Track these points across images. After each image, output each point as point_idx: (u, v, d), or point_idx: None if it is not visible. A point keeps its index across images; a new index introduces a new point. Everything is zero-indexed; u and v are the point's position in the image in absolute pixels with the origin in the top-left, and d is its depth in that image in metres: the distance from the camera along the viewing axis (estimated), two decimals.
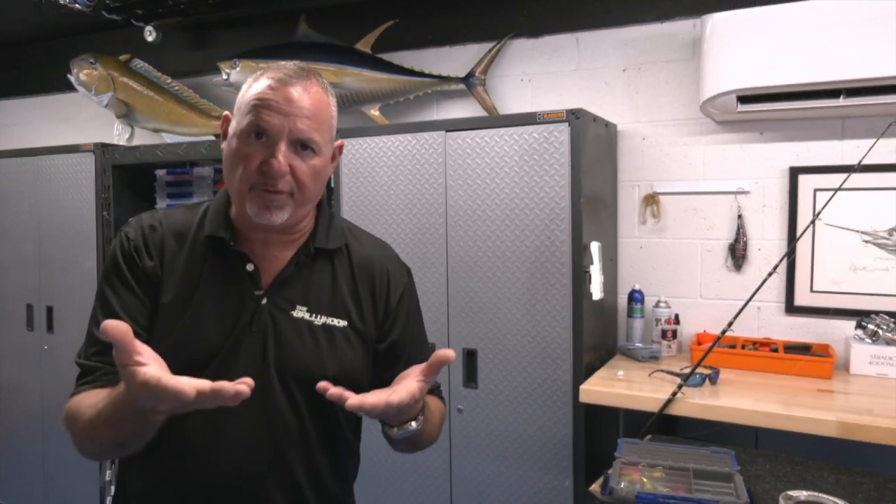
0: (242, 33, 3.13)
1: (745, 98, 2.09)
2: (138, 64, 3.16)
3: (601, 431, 2.16)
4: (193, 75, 3.31)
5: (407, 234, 2.33)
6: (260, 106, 1.00)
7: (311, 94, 1.03)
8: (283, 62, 1.06)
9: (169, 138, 3.20)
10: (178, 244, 1.10)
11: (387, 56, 2.77)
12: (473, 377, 2.23)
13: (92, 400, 0.97)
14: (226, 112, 1.10)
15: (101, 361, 1.02)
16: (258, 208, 1.02)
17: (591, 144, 2.19)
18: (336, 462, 1.15)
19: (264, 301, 1.07)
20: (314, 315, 1.10)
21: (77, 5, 2.70)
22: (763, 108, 2.10)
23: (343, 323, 1.11)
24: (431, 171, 2.28)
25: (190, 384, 0.79)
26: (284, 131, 1.00)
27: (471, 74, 2.66)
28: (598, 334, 2.29)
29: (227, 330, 1.05)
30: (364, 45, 2.72)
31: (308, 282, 1.11)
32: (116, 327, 0.79)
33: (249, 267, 1.08)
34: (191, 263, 1.08)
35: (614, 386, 2.02)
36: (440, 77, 2.70)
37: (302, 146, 1.02)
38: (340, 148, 1.13)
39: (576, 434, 2.08)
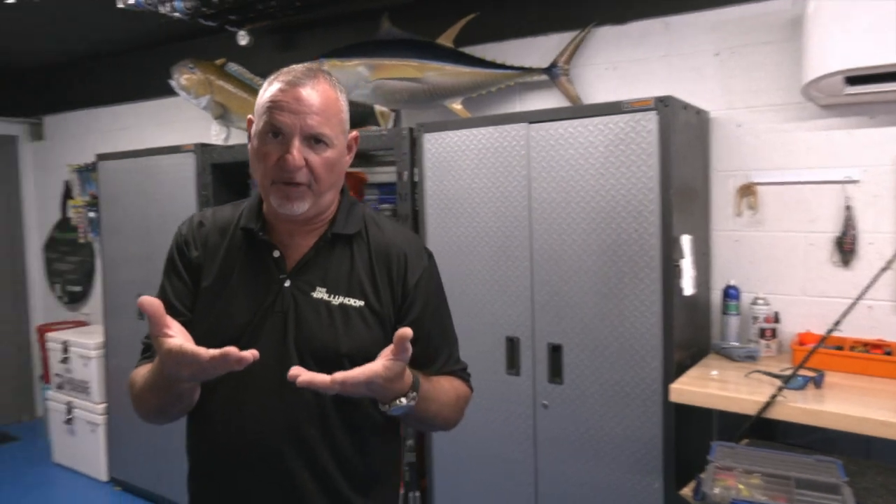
0: (327, 33, 3.20)
1: (854, 79, 1.94)
2: (233, 67, 3.31)
3: (692, 433, 2.08)
4: None
5: (490, 227, 2.32)
6: (273, 107, 1.09)
7: (318, 91, 1.11)
8: (294, 66, 1.15)
9: None
10: (220, 237, 1.22)
11: (468, 49, 2.76)
12: (558, 372, 2.20)
13: (143, 371, 1.15)
14: (249, 115, 1.18)
15: None
16: (281, 200, 1.11)
17: (682, 133, 2.10)
18: (359, 438, 1.18)
19: (287, 284, 1.16)
20: (332, 296, 1.17)
21: (176, 13, 2.85)
22: (874, 90, 1.93)
23: (360, 303, 1.17)
24: (514, 164, 2.26)
25: (204, 350, 0.92)
26: (297, 129, 1.09)
27: (554, 65, 2.61)
28: (690, 331, 2.20)
29: (253, 310, 1.16)
30: (445, 40, 2.72)
31: (327, 265, 1.19)
32: (151, 304, 0.94)
33: (276, 254, 1.18)
34: (228, 253, 1.21)
35: (707, 386, 1.93)
36: (522, 69, 2.67)
37: (314, 140, 1.10)
38: (356, 139, 1.21)
39: (665, 435, 2.01)
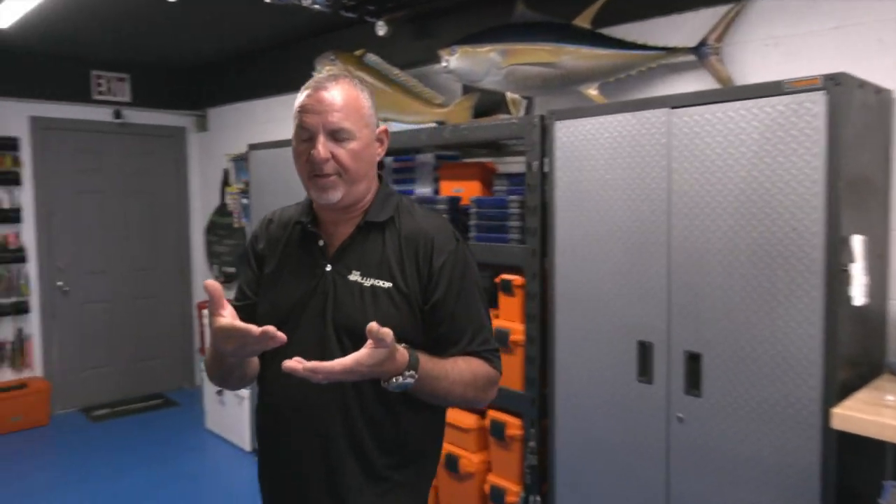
0: (462, 20, 3.14)
1: None
2: (371, 58, 3.36)
3: (859, 467, 1.79)
4: (419, 65, 3.43)
5: (624, 221, 2.15)
6: (301, 112, 1.28)
7: (338, 91, 1.27)
8: (321, 75, 1.33)
9: (397, 127, 3.36)
10: (282, 231, 1.42)
11: (608, 31, 2.57)
12: (696, 384, 1.99)
13: None
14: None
15: None
16: (317, 192, 1.29)
17: (856, 116, 1.80)
18: (391, 410, 1.30)
19: (328, 269, 1.32)
20: (364, 278, 1.30)
21: (317, 6, 2.93)
22: None
23: (388, 284, 1.29)
24: (653, 153, 2.06)
25: (247, 327, 1.10)
26: (320, 126, 1.25)
27: (703, 43, 2.36)
28: (860, 348, 1.89)
29: (300, 293, 1.33)
30: (583, 21, 2.56)
31: (362, 250, 1.32)
32: (213, 287, 1.14)
33: (321, 242, 1.35)
34: (287, 245, 1.39)
35: (881, 413, 1.64)
36: (667, 49, 2.44)
37: (337, 135, 1.26)
38: (385, 132, 1.35)
39: (824, 466, 1.74)
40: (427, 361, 1.22)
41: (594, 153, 2.21)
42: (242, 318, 1.16)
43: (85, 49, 4.54)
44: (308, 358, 1.14)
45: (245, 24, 3.86)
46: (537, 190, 2.39)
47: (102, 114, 5.01)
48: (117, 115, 5.04)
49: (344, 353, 1.17)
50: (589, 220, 2.25)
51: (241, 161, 4.76)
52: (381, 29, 3.26)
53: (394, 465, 1.32)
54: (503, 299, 2.55)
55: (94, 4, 3.39)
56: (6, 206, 4.64)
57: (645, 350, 2.10)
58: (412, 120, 3.26)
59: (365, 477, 1.30)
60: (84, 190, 5.02)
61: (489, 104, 2.99)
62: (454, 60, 2.75)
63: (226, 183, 5.10)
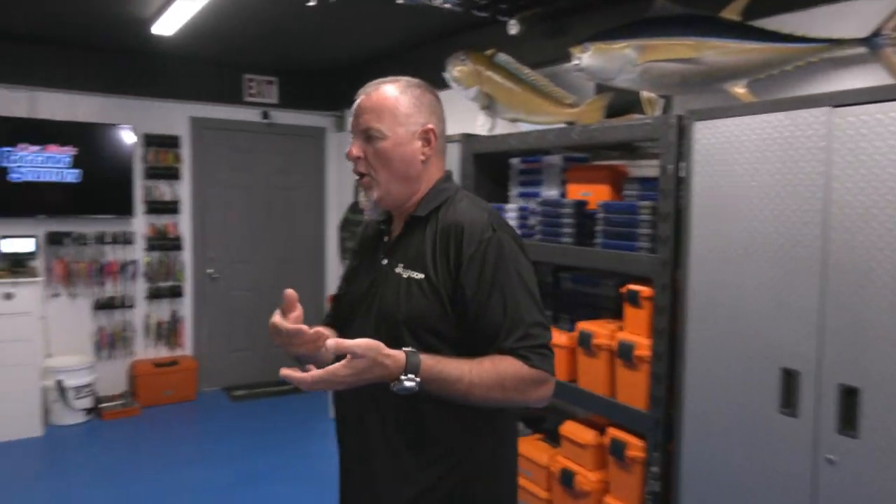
0: (597, 17, 3.01)
1: None
2: (501, 57, 3.30)
3: None
4: (550, 64, 3.33)
5: (770, 233, 1.93)
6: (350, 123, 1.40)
7: (373, 95, 1.36)
8: (374, 82, 1.41)
9: (525, 128, 3.28)
10: (369, 229, 1.53)
11: (760, 23, 2.33)
12: (852, 422, 1.74)
13: None
14: None
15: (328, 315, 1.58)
16: (362, 192, 1.41)
17: None
18: (415, 408, 1.29)
19: (384, 262, 1.40)
20: (405, 270, 1.34)
21: (448, 5, 2.92)
22: None
23: (420, 276, 1.32)
24: (808, 157, 1.83)
25: (282, 324, 1.28)
26: (354, 129, 1.37)
27: (877, 33, 2.07)
28: None
29: (365, 286, 1.42)
30: (732, 13, 2.34)
31: (408, 245, 1.37)
32: (290, 294, 1.33)
33: (385, 239, 1.44)
34: (368, 241, 1.51)
35: None
36: (832, 41, 2.17)
37: (368, 135, 1.34)
38: (431, 131, 1.37)
39: None
40: (435, 364, 1.20)
41: (738, 157, 2.01)
42: (339, 308, 1.49)
43: (238, 55, 4.87)
44: None
45: (379, 27, 3.95)
46: (671, 195, 2.22)
47: (252, 114, 5.37)
48: (265, 115, 5.38)
49: (392, 344, 1.23)
50: (729, 229, 2.05)
51: None
52: (513, 28, 3.20)
53: (421, 465, 1.32)
54: (629, 311, 2.40)
55: (247, 13, 3.62)
56: (168, 198, 5.10)
57: (790, 378, 1.88)
58: (542, 120, 3.17)
59: (394, 473, 1.33)
60: (233, 185, 5.40)
61: (623, 104, 2.83)
62: (586, 58, 2.62)
63: None
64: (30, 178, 4.49)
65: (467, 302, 1.28)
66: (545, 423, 3.11)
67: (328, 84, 5.54)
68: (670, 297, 2.22)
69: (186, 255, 5.23)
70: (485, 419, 1.34)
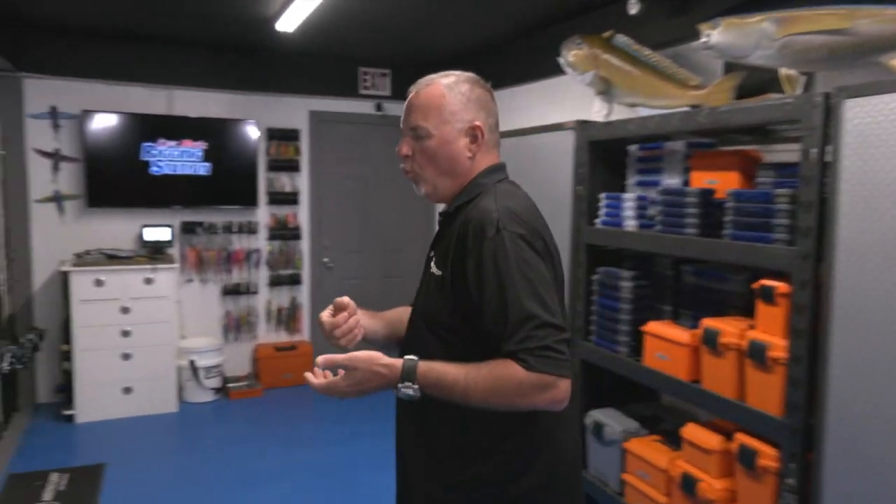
0: None
1: None
2: (620, 39, 3.15)
3: None
4: (673, 44, 3.14)
5: None
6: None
7: (421, 93, 1.38)
8: (426, 77, 1.43)
9: (644, 112, 3.12)
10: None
11: None
12: None
13: None
14: None
15: None
16: (414, 187, 1.44)
17: None
18: (436, 411, 1.31)
19: (431, 254, 1.44)
20: (435, 266, 1.38)
21: None
22: None
23: (439, 273, 1.35)
24: None
25: (320, 317, 1.45)
26: (403, 126, 1.40)
27: None
28: None
29: (422, 278, 1.46)
30: None
31: (441, 240, 1.41)
32: (337, 302, 1.46)
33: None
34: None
35: None
36: None
37: (415, 133, 1.37)
38: (478, 128, 1.38)
39: None
40: (431, 371, 1.22)
41: (890, 139, 1.78)
42: None
43: (353, 48, 4.99)
44: (408, 346, 1.40)
45: (492, 15, 3.89)
46: (814, 182, 2.00)
47: (366, 107, 5.49)
48: (378, 107, 5.49)
49: (417, 336, 1.40)
50: (885, 220, 1.82)
51: None
52: (634, 7, 3.05)
53: (435, 472, 1.38)
54: (761, 308, 2.21)
55: (362, 7, 3.68)
56: (288, 189, 5.33)
57: None
58: (663, 104, 2.99)
59: (423, 473, 1.40)
60: (347, 176, 5.56)
61: (756, 84, 2.60)
62: (716, 35, 2.43)
63: None
64: (167, 171, 4.84)
65: (467, 299, 1.28)
66: (663, 424, 2.96)
67: None
68: (812, 295, 2.02)
69: (304, 245, 5.45)
70: (515, 421, 1.31)
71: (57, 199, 4.68)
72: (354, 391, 1.23)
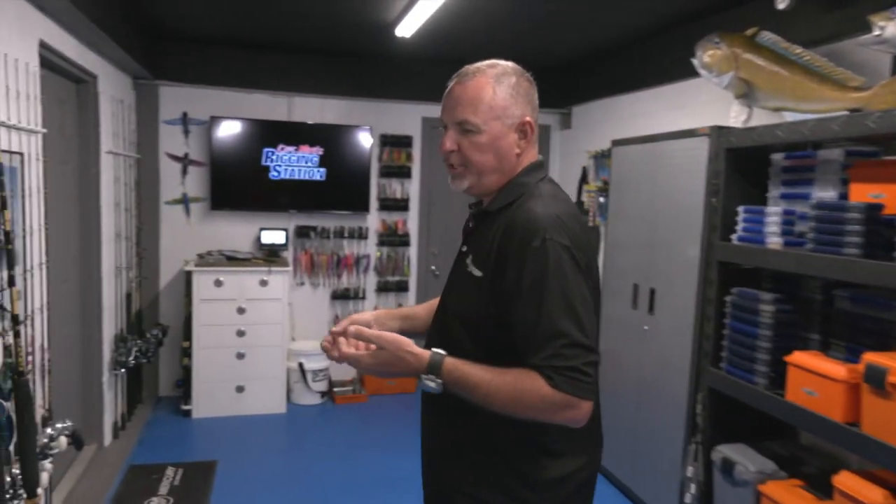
0: None
1: None
2: (765, 37, 2.85)
3: None
4: (829, 41, 2.81)
5: None
6: (441, 108, 1.36)
7: (468, 86, 1.31)
8: (467, 66, 1.36)
9: (790, 117, 2.80)
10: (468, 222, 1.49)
11: None
12: None
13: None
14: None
15: None
16: (451, 181, 1.38)
17: None
18: (445, 404, 1.31)
19: (463, 249, 1.41)
20: (471, 264, 1.34)
21: None
22: None
23: (479, 273, 1.31)
24: None
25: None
26: (449, 120, 1.33)
27: None
28: None
29: (451, 270, 1.44)
30: None
31: (480, 238, 1.36)
32: (359, 330, 1.35)
33: (471, 224, 1.43)
34: (467, 225, 1.48)
35: None
36: None
37: (463, 128, 1.31)
38: (529, 124, 1.34)
39: None
40: (456, 369, 1.22)
41: None
42: None
43: (469, 53, 4.89)
44: (431, 334, 1.43)
45: (616, 15, 3.68)
46: None
47: None
48: None
49: (443, 333, 1.37)
50: None
51: (601, 158, 4.63)
52: (782, 2, 2.74)
53: (449, 459, 1.39)
54: None
55: (478, 12, 3.59)
56: (399, 195, 5.33)
57: None
58: (816, 108, 2.67)
59: (437, 460, 1.43)
60: None
61: None
62: (893, 26, 2.12)
63: (584, 181, 5.04)
64: (285, 175, 4.97)
65: (504, 307, 1.25)
66: (804, 467, 2.63)
67: (555, 81, 5.39)
68: None
69: (412, 251, 5.42)
70: (535, 431, 1.29)
71: (184, 201, 4.92)
72: (375, 369, 1.25)
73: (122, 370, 4.02)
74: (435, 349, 1.24)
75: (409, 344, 1.23)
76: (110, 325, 3.93)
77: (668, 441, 3.16)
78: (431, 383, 1.23)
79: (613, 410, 3.69)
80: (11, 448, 1.94)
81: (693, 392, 2.98)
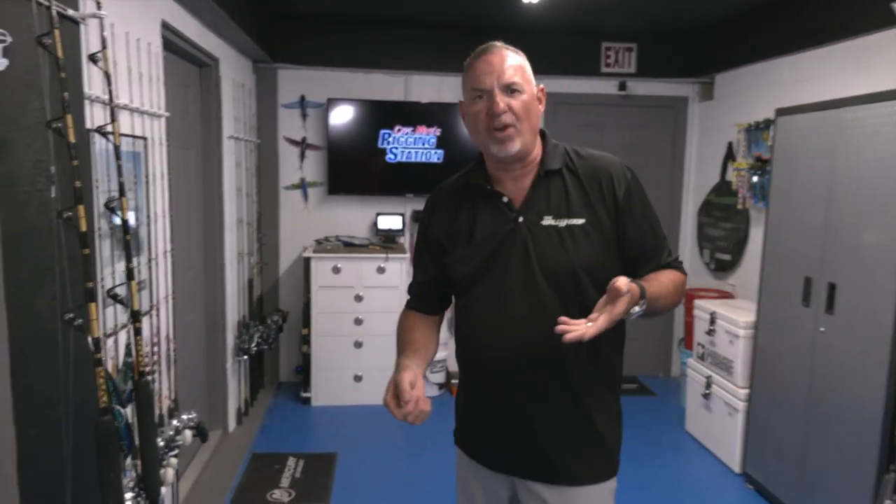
0: None
1: None
2: None
3: None
4: None
5: None
6: (473, 77, 1.44)
7: (503, 55, 1.44)
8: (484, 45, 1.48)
9: None
10: (455, 202, 1.56)
11: None
12: None
13: (407, 322, 1.69)
14: (460, 100, 1.52)
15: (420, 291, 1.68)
16: (498, 146, 1.42)
17: None
18: (599, 350, 1.43)
19: (521, 219, 1.46)
20: (558, 220, 1.44)
21: None
22: None
23: (581, 221, 1.43)
24: None
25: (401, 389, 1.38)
26: (494, 83, 1.41)
27: None
28: None
29: (496, 248, 1.47)
30: None
31: (548, 196, 1.46)
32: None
33: (504, 199, 1.49)
34: (465, 211, 1.53)
35: None
36: None
37: (510, 89, 1.41)
38: (542, 91, 1.49)
39: None
40: (650, 287, 1.33)
41: None
42: (428, 290, 1.63)
43: (598, 20, 4.48)
44: (518, 301, 1.42)
45: None
46: None
47: (607, 86, 4.97)
48: (622, 87, 4.92)
49: (551, 294, 1.41)
50: None
51: (756, 131, 4.07)
52: None
53: (598, 407, 1.50)
54: None
55: None
56: None
57: None
58: None
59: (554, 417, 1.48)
60: None
61: None
62: None
63: (729, 157, 4.48)
64: (402, 158, 4.78)
65: (632, 235, 1.45)
66: None
67: (693, 47, 4.84)
68: None
69: None
70: (618, 381, 1.57)
71: (302, 186, 4.85)
72: (617, 318, 1.25)
73: (245, 357, 4.00)
74: (632, 280, 1.28)
75: (626, 280, 1.24)
76: (233, 312, 3.90)
77: (852, 466, 2.66)
78: (639, 308, 1.29)
79: (775, 424, 3.21)
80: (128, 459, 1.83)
81: (891, 408, 2.47)
